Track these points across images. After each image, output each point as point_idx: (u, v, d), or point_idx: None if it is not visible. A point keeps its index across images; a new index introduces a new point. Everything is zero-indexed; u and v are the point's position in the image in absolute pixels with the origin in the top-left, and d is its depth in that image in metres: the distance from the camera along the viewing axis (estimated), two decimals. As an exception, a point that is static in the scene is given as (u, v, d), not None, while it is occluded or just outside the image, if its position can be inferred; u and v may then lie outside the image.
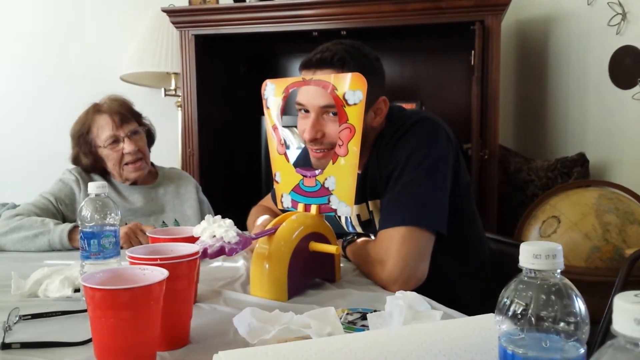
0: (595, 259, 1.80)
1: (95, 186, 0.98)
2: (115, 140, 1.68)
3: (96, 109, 1.71)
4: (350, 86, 1.04)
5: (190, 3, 2.44)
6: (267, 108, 1.18)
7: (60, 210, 1.63)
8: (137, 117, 1.77)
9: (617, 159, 2.33)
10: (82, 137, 1.70)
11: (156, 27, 2.66)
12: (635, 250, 1.36)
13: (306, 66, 1.19)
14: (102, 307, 0.65)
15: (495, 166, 2.12)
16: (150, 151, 1.82)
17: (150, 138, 1.84)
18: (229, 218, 0.96)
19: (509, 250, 1.39)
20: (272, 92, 1.17)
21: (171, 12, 2.40)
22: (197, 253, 0.81)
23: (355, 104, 1.04)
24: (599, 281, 1.63)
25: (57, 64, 3.07)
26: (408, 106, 2.31)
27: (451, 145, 1.21)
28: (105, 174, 1.75)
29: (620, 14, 2.27)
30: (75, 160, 1.74)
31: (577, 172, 2.21)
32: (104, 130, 1.68)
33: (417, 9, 2.16)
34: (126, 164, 1.69)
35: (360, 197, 1.27)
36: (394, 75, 2.68)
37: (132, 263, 0.78)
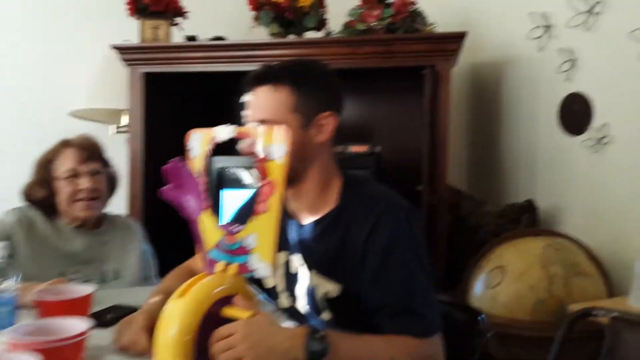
0: (541, 312, 1.77)
1: (-8, 249, 0.91)
2: (75, 175, 1.65)
3: (65, 143, 1.70)
4: (275, 140, 1.01)
5: (142, 40, 2.40)
6: (191, 160, 1.13)
7: None
8: (103, 160, 1.75)
9: (566, 207, 2.32)
10: (44, 166, 1.68)
11: (108, 63, 2.59)
12: (578, 310, 1.34)
13: (245, 84, 1.20)
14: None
15: (444, 212, 2.10)
16: (109, 198, 1.78)
17: (112, 185, 1.79)
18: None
19: (453, 314, 1.32)
20: (198, 143, 1.12)
21: (121, 49, 2.36)
22: (84, 333, 0.74)
23: (277, 159, 1.00)
24: (544, 336, 1.59)
25: (6, 99, 3.00)
26: (361, 148, 2.32)
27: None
28: (52, 213, 1.68)
29: (570, 60, 2.30)
30: (29, 192, 1.68)
31: (525, 218, 2.20)
32: (66, 161, 1.65)
33: (368, 53, 2.17)
34: (78, 200, 1.63)
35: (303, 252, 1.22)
36: (346, 117, 2.64)
37: (12, 347, 0.70)
